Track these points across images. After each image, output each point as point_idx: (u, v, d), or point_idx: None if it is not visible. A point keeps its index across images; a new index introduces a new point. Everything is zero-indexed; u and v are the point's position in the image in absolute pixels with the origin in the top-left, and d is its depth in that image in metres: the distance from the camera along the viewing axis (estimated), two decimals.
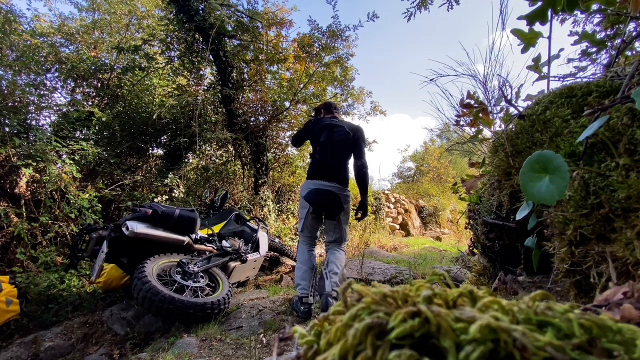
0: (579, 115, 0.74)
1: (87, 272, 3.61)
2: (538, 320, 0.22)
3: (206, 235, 3.03)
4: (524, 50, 0.91)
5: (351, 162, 2.51)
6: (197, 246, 2.82)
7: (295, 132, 6.52)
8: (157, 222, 2.57)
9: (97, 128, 5.08)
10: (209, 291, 2.57)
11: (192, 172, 5.96)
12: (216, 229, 3.29)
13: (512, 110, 1.01)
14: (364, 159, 2.48)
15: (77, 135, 4.76)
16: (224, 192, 3.86)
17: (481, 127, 1.11)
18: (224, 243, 3.19)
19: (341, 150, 2.42)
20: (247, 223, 3.64)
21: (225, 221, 3.45)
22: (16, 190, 3.71)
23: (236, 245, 3.26)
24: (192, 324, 2.31)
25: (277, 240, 4.21)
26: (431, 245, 6.91)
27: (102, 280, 2.49)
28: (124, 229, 2.41)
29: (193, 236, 2.81)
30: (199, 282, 2.55)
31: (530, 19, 0.76)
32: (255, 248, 3.42)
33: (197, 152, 6.10)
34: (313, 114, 2.75)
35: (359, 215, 2.53)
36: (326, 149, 2.40)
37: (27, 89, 4.46)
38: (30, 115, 4.52)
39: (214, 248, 2.97)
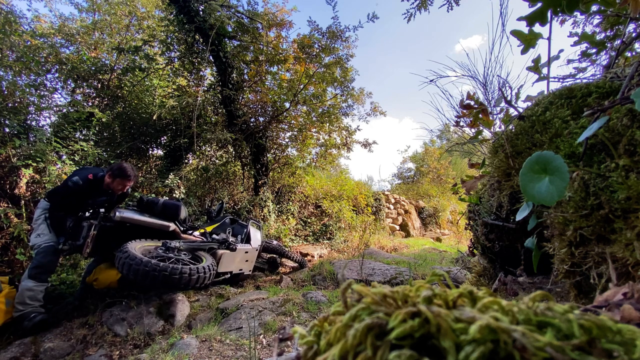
0: (579, 116, 0.74)
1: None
2: (538, 320, 0.22)
3: (198, 234, 3.10)
4: (523, 52, 0.91)
5: None
6: (184, 235, 2.89)
7: (295, 132, 6.55)
8: (143, 209, 2.70)
9: (97, 129, 5.08)
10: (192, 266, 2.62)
11: (192, 173, 5.96)
12: (209, 229, 3.40)
13: (512, 111, 1.01)
14: None
15: (77, 136, 4.76)
16: (220, 203, 3.97)
17: (481, 128, 1.11)
18: (214, 236, 3.26)
19: None
20: (239, 221, 3.77)
21: (219, 224, 3.57)
22: (16, 191, 3.71)
23: (226, 237, 3.33)
24: (178, 290, 2.36)
25: (274, 242, 4.22)
26: (431, 246, 6.91)
27: (100, 277, 2.53)
28: (111, 215, 2.50)
29: (179, 226, 2.89)
30: (181, 257, 2.60)
31: (530, 20, 0.76)
32: (247, 241, 3.50)
33: (197, 153, 6.10)
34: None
35: None
36: None
37: (28, 90, 4.47)
38: (30, 116, 4.52)
39: (203, 239, 3.01)
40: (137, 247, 2.44)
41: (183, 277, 2.29)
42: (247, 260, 3.47)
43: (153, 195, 4.82)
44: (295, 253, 4.44)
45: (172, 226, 2.76)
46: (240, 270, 3.49)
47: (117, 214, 2.47)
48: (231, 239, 3.32)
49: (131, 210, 2.62)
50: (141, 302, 2.69)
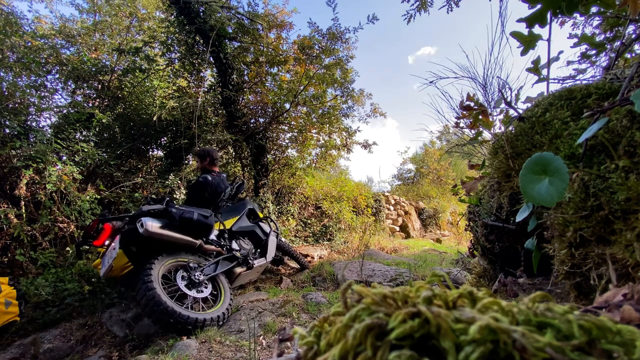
0: (579, 118, 0.74)
1: (88, 273, 3.61)
2: (538, 321, 0.22)
3: (217, 232, 3.01)
4: (523, 53, 0.91)
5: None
6: (207, 246, 2.81)
7: (295, 133, 6.56)
8: (173, 222, 2.54)
9: (97, 130, 5.09)
10: (210, 300, 2.57)
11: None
12: (228, 224, 3.23)
13: (511, 112, 1.01)
14: None
15: (77, 136, 4.76)
16: (241, 181, 3.74)
17: (481, 129, 1.11)
18: (234, 245, 3.15)
19: None
20: (260, 223, 3.57)
21: (238, 216, 3.39)
22: (16, 192, 3.71)
23: (245, 249, 3.22)
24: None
25: (283, 240, 4.16)
26: (431, 247, 6.90)
27: (114, 265, 2.45)
28: (138, 225, 2.38)
29: (205, 240, 2.82)
30: (202, 292, 2.53)
31: (530, 21, 0.76)
32: (263, 253, 3.38)
33: None
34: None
35: None
36: None
37: (28, 91, 4.47)
38: (30, 116, 4.52)
39: (222, 250, 2.95)
40: (160, 270, 2.38)
41: (197, 324, 2.28)
42: (257, 272, 3.41)
43: (153, 196, 4.82)
44: (299, 254, 4.41)
45: (199, 242, 2.71)
46: (249, 280, 3.49)
47: (145, 227, 2.34)
48: (251, 252, 3.22)
49: (159, 221, 2.47)
50: None
